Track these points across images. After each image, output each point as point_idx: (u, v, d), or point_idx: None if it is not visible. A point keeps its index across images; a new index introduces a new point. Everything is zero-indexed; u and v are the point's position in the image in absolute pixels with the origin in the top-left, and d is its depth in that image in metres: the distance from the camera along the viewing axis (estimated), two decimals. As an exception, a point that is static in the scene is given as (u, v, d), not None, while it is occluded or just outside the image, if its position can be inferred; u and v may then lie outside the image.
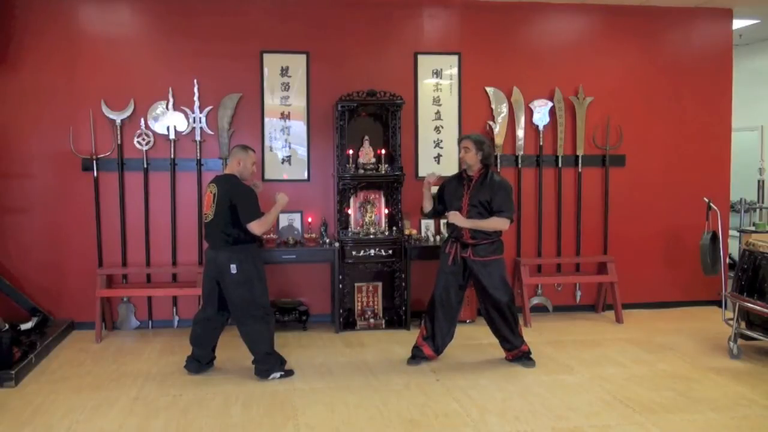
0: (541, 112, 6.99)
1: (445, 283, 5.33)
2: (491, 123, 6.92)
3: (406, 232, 6.53)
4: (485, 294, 5.28)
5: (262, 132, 6.67)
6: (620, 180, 7.17)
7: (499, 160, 6.92)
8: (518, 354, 5.37)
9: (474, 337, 6.19)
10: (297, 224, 6.67)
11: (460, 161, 5.33)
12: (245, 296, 5.01)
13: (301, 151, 6.73)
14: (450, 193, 5.37)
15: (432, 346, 5.41)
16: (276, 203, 5.20)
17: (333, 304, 6.59)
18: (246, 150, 5.19)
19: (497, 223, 5.15)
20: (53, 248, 6.46)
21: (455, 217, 5.16)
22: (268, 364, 5.13)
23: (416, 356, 5.43)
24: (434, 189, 5.55)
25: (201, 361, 5.25)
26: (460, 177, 5.36)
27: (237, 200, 4.95)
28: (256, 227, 4.94)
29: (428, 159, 6.89)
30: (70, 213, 6.46)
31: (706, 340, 6.08)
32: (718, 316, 6.28)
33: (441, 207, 5.45)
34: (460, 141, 5.34)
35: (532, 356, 5.39)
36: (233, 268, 4.95)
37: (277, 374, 5.12)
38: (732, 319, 5.66)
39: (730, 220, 7.65)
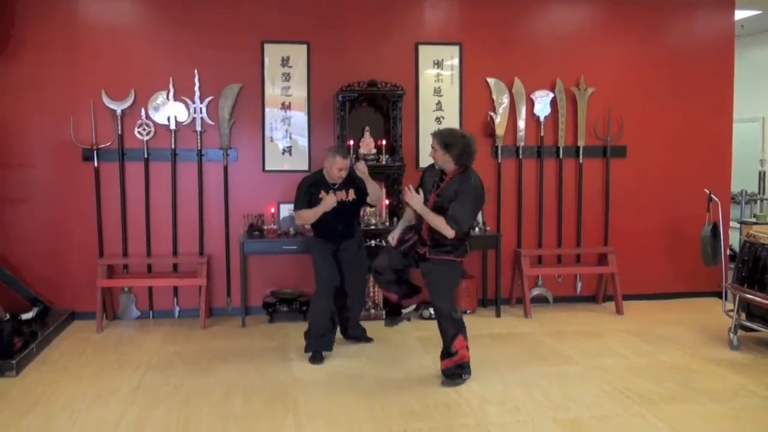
0: (542, 103, 6.97)
1: (387, 254, 4.99)
2: (492, 114, 6.91)
3: (407, 222, 6.50)
4: (429, 295, 4.89)
5: (262, 122, 6.65)
6: (621, 171, 7.16)
7: (500, 151, 6.91)
8: (449, 365, 4.81)
9: (474, 328, 6.18)
10: (298, 215, 6.67)
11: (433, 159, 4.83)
12: None
13: (302, 141, 6.72)
14: (426, 183, 4.89)
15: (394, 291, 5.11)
16: (323, 201, 5.31)
17: (333, 295, 6.59)
18: (334, 155, 5.29)
19: (440, 223, 4.55)
20: (54, 238, 6.46)
21: (410, 197, 4.66)
22: (307, 343, 5.39)
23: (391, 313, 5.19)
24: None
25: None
26: (436, 168, 4.86)
27: None
28: (296, 217, 5.51)
29: (429, 150, 6.82)
30: (71, 203, 6.46)
31: (706, 331, 6.09)
32: (718, 308, 6.29)
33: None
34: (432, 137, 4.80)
35: (463, 376, 4.81)
36: None
37: (308, 352, 5.36)
38: (732, 311, 5.67)
39: (730, 212, 7.64)
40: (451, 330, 4.78)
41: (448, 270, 4.78)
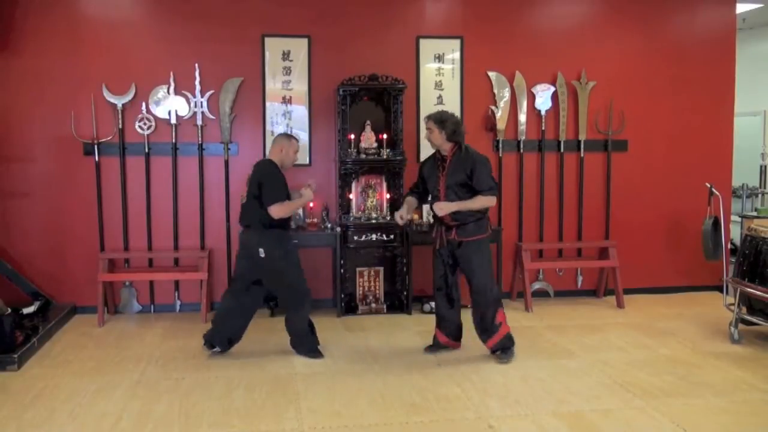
0: (543, 97, 6.96)
1: (439, 267, 5.23)
2: (493, 108, 6.90)
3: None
4: (466, 275, 5.14)
5: (263, 116, 6.65)
6: (622, 165, 7.16)
7: (501, 145, 6.90)
8: (497, 340, 5.10)
9: (475, 322, 6.21)
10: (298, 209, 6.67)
11: (429, 142, 5.16)
12: (281, 282, 5.15)
13: (303, 135, 6.71)
14: (427, 175, 5.20)
15: (444, 332, 5.33)
16: (302, 196, 5.25)
17: (334, 289, 6.60)
18: (289, 138, 5.31)
19: (483, 201, 4.96)
20: (55, 232, 6.47)
21: (440, 208, 4.95)
22: (302, 344, 5.27)
23: (435, 345, 5.38)
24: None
25: (213, 342, 5.30)
26: (435, 157, 5.18)
27: (264, 181, 5.03)
28: (274, 210, 4.98)
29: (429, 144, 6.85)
30: (72, 197, 6.46)
31: (707, 325, 6.09)
32: (719, 302, 6.29)
33: (423, 188, 5.28)
34: (425, 121, 5.14)
35: (513, 348, 5.16)
36: (261, 252, 5.04)
37: (305, 354, 5.27)
38: (733, 305, 5.67)
39: (732, 206, 7.63)
40: (492, 306, 5.08)
41: (479, 248, 5.06)
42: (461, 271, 5.18)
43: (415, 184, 5.39)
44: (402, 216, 5.23)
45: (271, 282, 5.21)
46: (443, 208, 4.97)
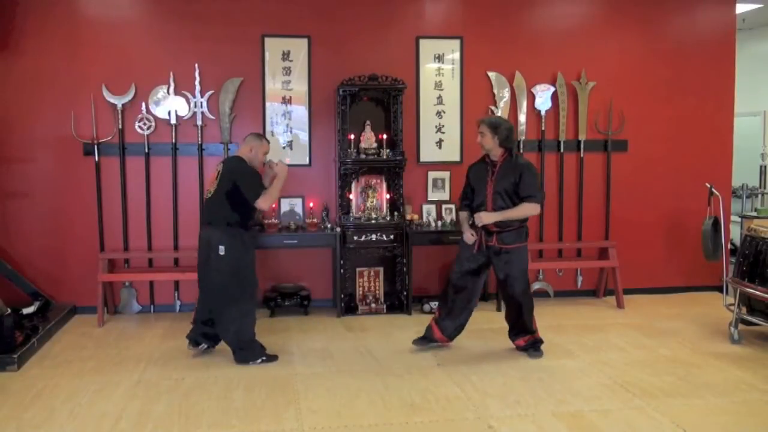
0: (543, 97, 6.96)
1: (463, 267, 5.22)
2: (493, 108, 6.90)
3: (408, 217, 6.52)
4: (504, 282, 5.18)
5: (263, 117, 6.65)
6: (622, 165, 7.15)
7: (500, 145, 6.91)
8: (529, 340, 5.26)
9: (476, 322, 6.17)
10: (298, 209, 6.67)
11: (481, 146, 5.18)
12: (230, 280, 4.98)
13: (303, 135, 6.72)
14: (475, 180, 5.22)
15: (442, 329, 5.35)
16: (277, 176, 5.21)
17: (334, 289, 6.60)
18: (260, 138, 5.27)
19: (527, 210, 5.03)
20: (55, 233, 6.47)
21: (481, 219, 5.02)
22: (252, 350, 5.10)
23: (426, 337, 5.39)
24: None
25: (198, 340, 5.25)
26: (484, 162, 5.20)
27: (240, 180, 4.96)
28: (262, 202, 4.96)
29: (430, 144, 6.87)
30: (72, 197, 6.46)
31: (707, 325, 6.09)
32: (719, 302, 6.29)
33: (472, 195, 5.27)
34: (478, 125, 5.16)
35: (541, 347, 5.28)
36: (221, 249, 4.94)
37: (258, 360, 5.09)
38: (733, 305, 5.67)
39: (731, 206, 7.63)
40: (531, 309, 5.22)
41: (520, 255, 5.16)
42: (499, 276, 5.21)
43: (464, 193, 5.36)
44: (472, 234, 5.22)
45: (223, 281, 4.97)
46: (484, 218, 5.04)
